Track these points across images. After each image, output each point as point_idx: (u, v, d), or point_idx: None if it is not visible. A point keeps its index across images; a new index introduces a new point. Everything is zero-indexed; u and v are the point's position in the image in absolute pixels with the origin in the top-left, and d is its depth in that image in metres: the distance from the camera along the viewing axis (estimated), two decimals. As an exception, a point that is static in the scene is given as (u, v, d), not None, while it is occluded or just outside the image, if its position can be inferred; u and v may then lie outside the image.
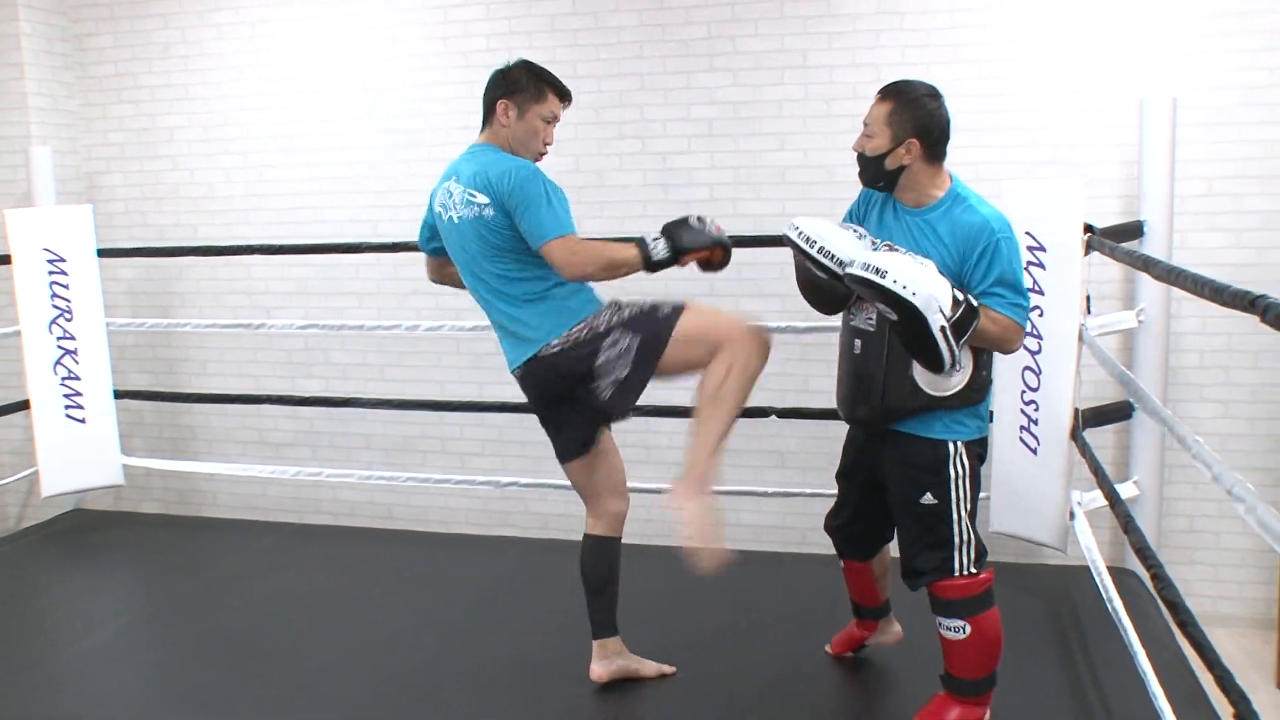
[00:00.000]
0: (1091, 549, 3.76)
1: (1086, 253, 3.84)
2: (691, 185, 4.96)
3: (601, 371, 2.99)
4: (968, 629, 2.83)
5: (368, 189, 5.39)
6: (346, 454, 5.61)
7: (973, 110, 4.51)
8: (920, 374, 2.80)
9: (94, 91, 5.74)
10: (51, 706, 3.34)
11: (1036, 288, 3.90)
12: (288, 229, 5.49)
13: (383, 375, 5.50)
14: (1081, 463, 3.78)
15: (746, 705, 3.24)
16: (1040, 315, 3.92)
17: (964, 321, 2.65)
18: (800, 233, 2.89)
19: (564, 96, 3.11)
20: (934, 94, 2.81)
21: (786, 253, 4.76)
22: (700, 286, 4.97)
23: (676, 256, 2.93)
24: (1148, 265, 2.87)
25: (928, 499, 2.85)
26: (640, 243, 2.93)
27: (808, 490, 4.74)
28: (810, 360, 4.78)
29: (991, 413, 3.03)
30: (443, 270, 3.41)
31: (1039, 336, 3.94)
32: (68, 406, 5.15)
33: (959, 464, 2.85)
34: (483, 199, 2.96)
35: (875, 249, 2.84)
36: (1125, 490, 4.29)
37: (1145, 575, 2.96)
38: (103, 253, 5.25)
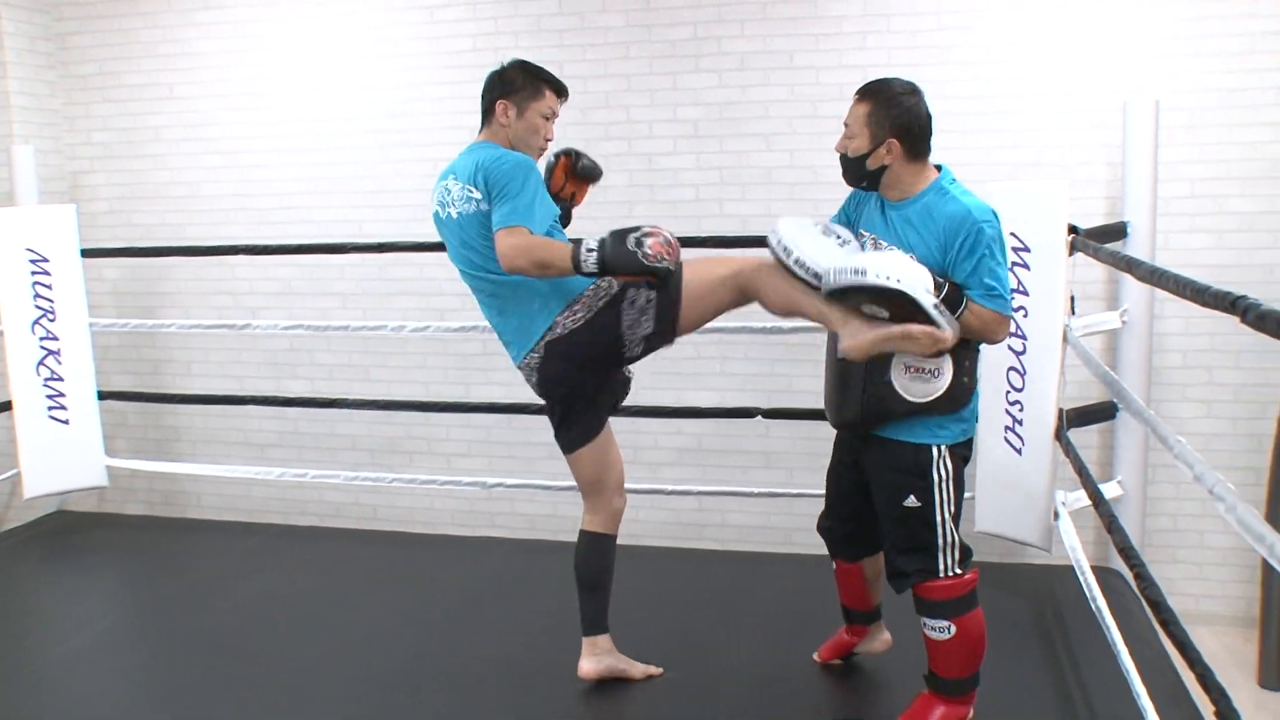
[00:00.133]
0: (1075, 548, 3.78)
1: (1071, 254, 3.86)
2: (678, 186, 4.96)
3: (629, 334, 3.01)
4: (952, 629, 2.84)
5: (354, 189, 5.38)
6: (332, 455, 5.60)
7: (958, 112, 4.54)
8: (900, 381, 2.80)
9: (77, 90, 5.72)
10: (35, 709, 3.32)
11: (1021, 288, 3.92)
12: (273, 229, 5.48)
13: (368, 376, 5.49)
14: (1066, 463, 3.80)
15: (733, 706, 3.25)
16: (1025, 316, 3.93)
17: (952, 300, 2.68)
18: (780, 240, 2.88)
19: (561, 92, 3.14)
20: (912, 90, 2.81)
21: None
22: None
23: (603, 275, 2.90)
24: (1131, 266, 2.88)
25: (911, 502, 2.85)
26: (574, 249, 2.88)
27: (793, 490, 4.75)
28: (796, 360, 4.79)
29: (977, 414, 3.03)
30: None
31: (1023, 337, 3.95)
32: (51, 408, 5.12)
33: (942, 467, 2.85)
34: (478, 194, 2.99)
35: (862, 247, 2.86)
36: (1109, 490, 4.31)
37: (1128, 574, 2.98)
38: (86, 253, 5.23)
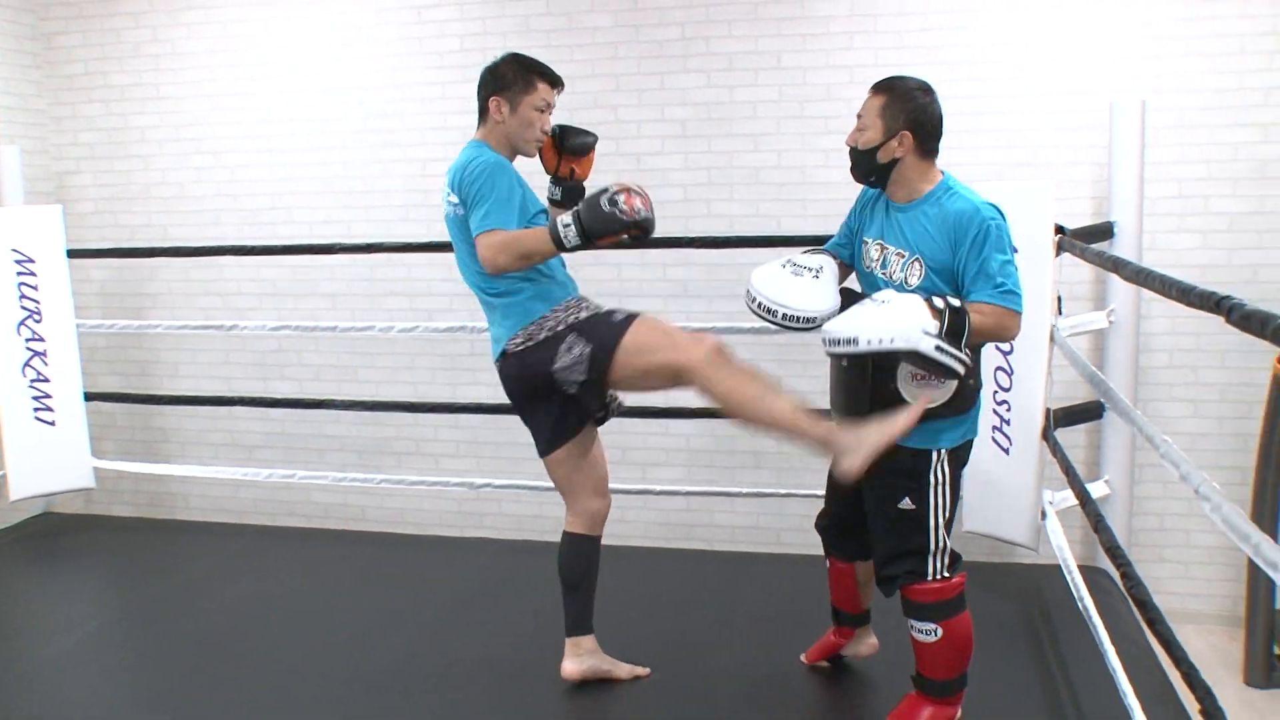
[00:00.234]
0: (1063, 548, 3.78)
1: (1058, 254, 3.87)
2: (666, 186, 4.96)
3: (560, 375, 3.03)
4: (939, 632, 2.84)
5: (341, 190, 5.37)
6: (319, 456, 5.59)
7: (945, 112, 4.50)
8: (907, 388, 2.78)
9: (63, 90, 5.70)
10: (20, 711, 3.31)
11: (1008, 288, 3.92)
12: (260, 230, 5.47)
13: (356, 377, 5.48)
14: (1053, 462, 3.81)
15: (721, 706, 3.25)
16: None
17: (956, 325, 2.62)
18: (759, 303, 2.92)
19: (555, 83, 3.13)
20: (926, 89, 2.83)
21: (759, 254, 4.81)
22: (672, 287, 4.98)
23: (588, 243, 2.90)
24: (1117, 266, 2.89)
25: (906, 504, 2.85)
26: (551, 228, 2.90)
27: (781, 491, 4.76)
28: (785, 361, 4.79)
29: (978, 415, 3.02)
30: None
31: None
32: (37, 409, 5.10)
33: (939, 471, 2.85)
34: (455, 198, 3.03)
35: (856, 258, 2.89)
36: (1096, 489, 4.33)
37: (1115, 574, 2.99)
38: (73, 253, 5.21)
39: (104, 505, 5.89)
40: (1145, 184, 4.29)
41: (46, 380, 5.11)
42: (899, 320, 2.60)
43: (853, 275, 3.12)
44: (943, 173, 2.88)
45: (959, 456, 2.91)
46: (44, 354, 5.09)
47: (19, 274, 5.01)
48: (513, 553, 4.75)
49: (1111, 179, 4.29)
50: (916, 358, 2.61)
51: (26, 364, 5.05)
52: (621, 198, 2.87)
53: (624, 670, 3.36)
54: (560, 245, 2.88)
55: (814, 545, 4.90)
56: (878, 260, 2.92)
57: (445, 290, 5.20)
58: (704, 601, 4.10)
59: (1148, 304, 4.40)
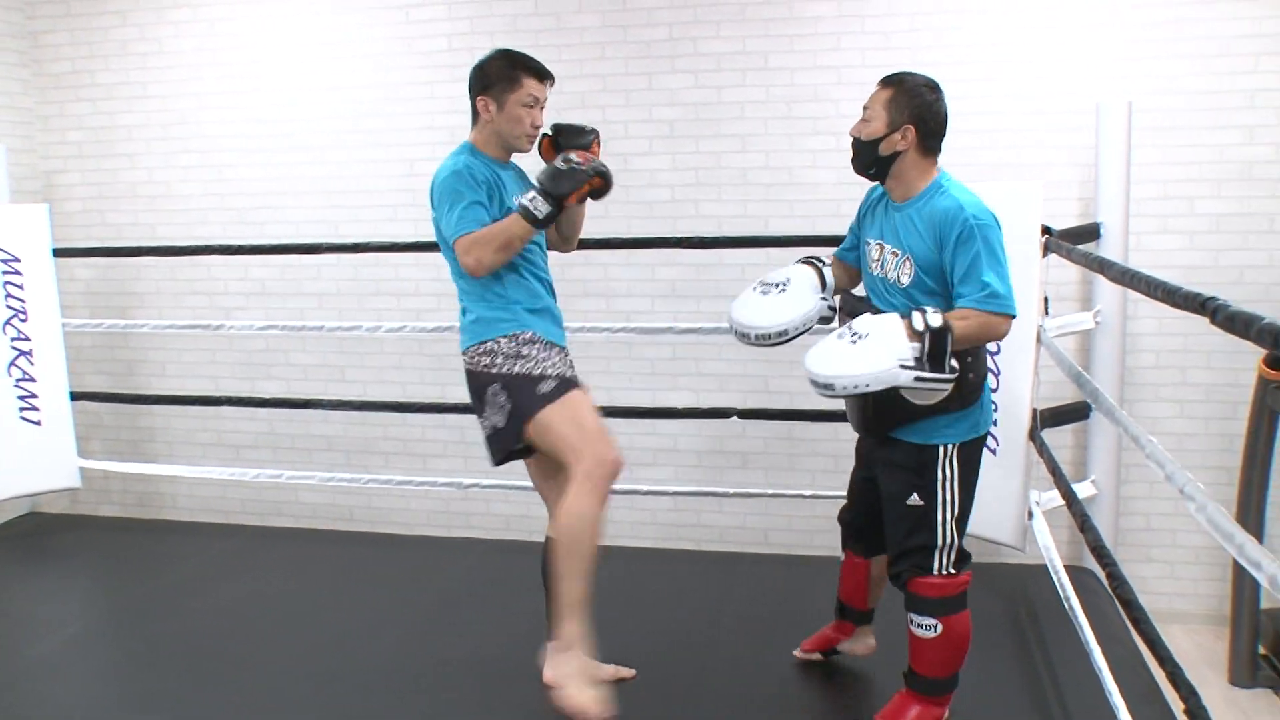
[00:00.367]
0: (1049, 548, 3.80)
1: (1044, 255, 3.88)
2: (653, 186, 4.96)
3: (484, 412, 3.08)
4: (939, 628, 2.85)
5: (329, 189, 5.36)
6: (307, 456, 5.58)
7: (932, 113, 4.55)
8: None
9: (50, 89, 5.68)
10: (7, 712, 3.29)
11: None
12: (248, 229, 5.45)
13: (344, 376, 5.48)
14: (1039, 462, 3.82)
15: (709, 706, 3.25)
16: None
17: (938, 347, 2.63)
18: (734, 329, 3.01)
19: (542, 77, 3.09)
20: (934, 87, 2.85)
21: (747, 254, 4.83)
22: (660, 287, 4.99)
23: (559, 207, 2.90)
24: (1103, 267, 2.90)
25: (914, 500, 2.86)
26: (520, 209, 2.91)
27: (769, 491, 4.77)
28: (771, 361, 4.80)
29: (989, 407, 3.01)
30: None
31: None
32: (23, 409, 5.08)
33: (948, 466, 2.85)
34: (431, 209, 3.07)
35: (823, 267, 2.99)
36: (1083, 489, 4.34)
37: (1101, 574, 3.00)
38: (59, 252, 5.20)
39: (90, 505, 5.87)
40: (1131, 185, 4.30)
41: (32, 380, 5.10)
42: (873, 360, 2.64)
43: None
44: (940, 171, 2.89)
45: (969, 452, 2.89)
46: (30, 353, 5.07)
47: (4, 273, 4.99)
48: (500, 552, 4.75)
49: (1098, 180, 4.31)
50: (895, 391, 2.67)
51: (12, 363, 5.03)
52: (574, 155, 2.93)
53: (607, 672, 3.35)
54: (533, 218, 2.89)
55: (801, 545, 4.95)
56: (878, 261, 2.94)
57: (433, 290, 5.20)
58: (691, 601, 4.11)
59: (1134, 305, 4.42)
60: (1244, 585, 4.16)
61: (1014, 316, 2.76)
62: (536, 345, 3.05)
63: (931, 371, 2.63)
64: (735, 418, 4.66)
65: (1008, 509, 4.04)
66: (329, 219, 5.35)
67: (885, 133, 2.82)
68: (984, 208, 2.77)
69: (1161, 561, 4.68)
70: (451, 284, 3.18)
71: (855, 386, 2.65)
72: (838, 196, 4.72)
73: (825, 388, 2.70)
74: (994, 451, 4.05)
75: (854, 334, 2.72)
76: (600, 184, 2.96)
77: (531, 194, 2.90)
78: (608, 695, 2.95)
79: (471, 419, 5.15)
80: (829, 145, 4.75)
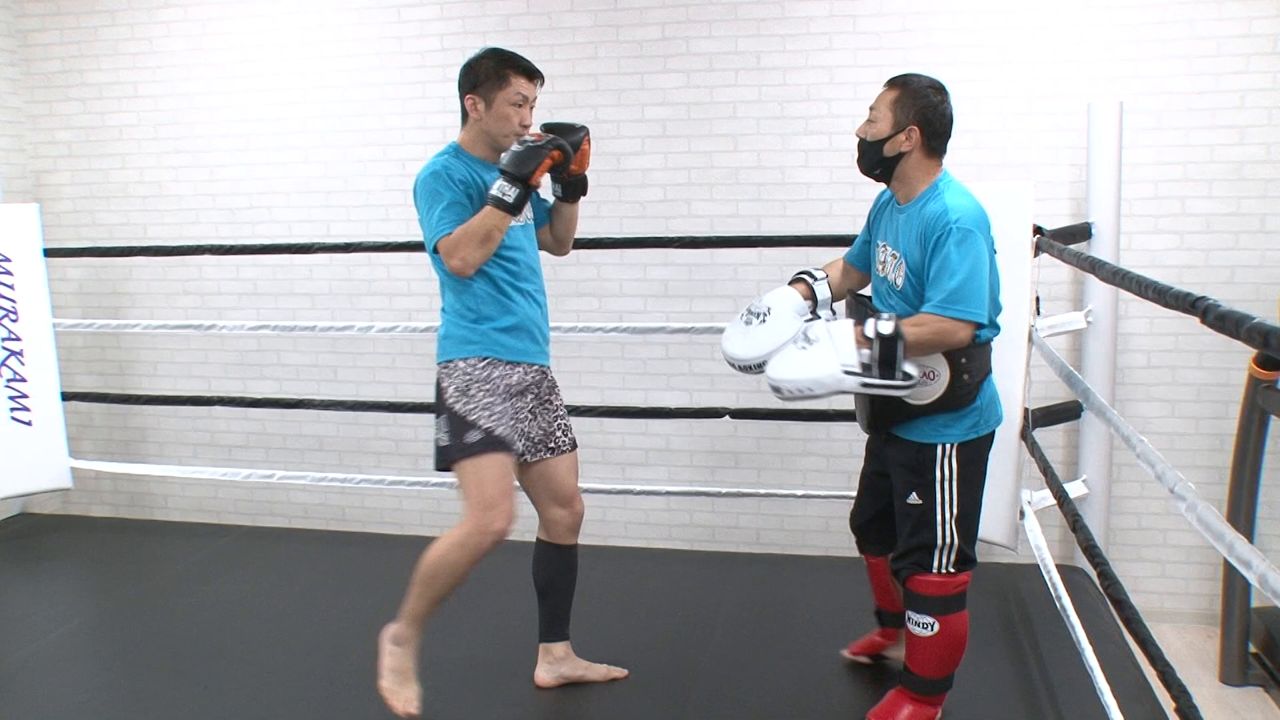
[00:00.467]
0: (1041, 547, 3.80)
1: (1036, 254, 3.88)
2: (645, 186, 4.96)
3: (436, 424, 3.14)
4: (936, 626, 2.86)
5: (320, 189, 5.35)
6: (299, 456, 5.57)
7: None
8: None
9: (40, 88, 5.66)
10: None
11: (987, 289, 3.93)
12: (239, 229, 5.44)
13: (336, 376, 5.47)
14: (1031, 462, 3.82)
15: (701, 706, 3.25)
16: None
17: (887, 353, 2.65)
18: (726, 360, 3.05)
19: (531, 76, 3.04)
20: (940, 88, 2.87)
21: (739, 254, 4.84)
22: (654, 287, 4.98)
23: (527, 186, 2.89)
24: (1095, 267, 2.90)
25: (914, 499, 2.88)
26: (490, 200, 2.89)
27: (761, 490, 4.77)
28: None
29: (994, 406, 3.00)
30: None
31: (989, 337, 3.97)
32: (13, 409, 5.06)
33: (946, 466, 2.85)
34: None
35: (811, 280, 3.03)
36: (1074, 489, 4.35)
37: (1093, 573, 3.00)
38: (50, 252, 5.18)
39: (82, 505, 5.86)
40: (1123, 185, 4.31)
41: (23, 380, 5.08)
42: (817, 367, 2.69)
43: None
44: (943, 172, 2.89)
45: (969, 452, 2.88)
46: (20, 353, 5.06)
47: (-5, 273, 4.98)
48: (492, 553, 4.73)
49: (1089, 180, 4.31)
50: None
51: (3, 363, 5.01)
52: (528, 136, 2.94)
53: (599, 672, 3.36)
54: (504, 205, 2.87)
55: (793, 545, 4.96)
56: (883, 263, 2.95)
57: (424, 290, 5.19)
58: (683, 601, 4.11)
59: (1125, 304, 4.43)
60: (1234, 584, 4.17)
61: (979, 324, 2.74)
62: (486, 389, 3.05)
63: (882, 378, 2.66)
64: (728, 418, 4.66)
65: (999, 508, 4.04)
66: (321, 219, 5.34)
67: (890, 133, 2.83)
68: (972, 212, 2.75)
69: (1153, 561, 4.69)
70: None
71: (799, 391, 2.71)
72: (830, 196, 4.73)
73: (775, 390, 2.79)
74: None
75: (806, 340, 2.79)
76: (561, 157, 2.95)
77: (498, 181, 2.88)
78: (417, 696, 3.08)
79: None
80: (821, 145, 4.76)
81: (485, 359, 3.05)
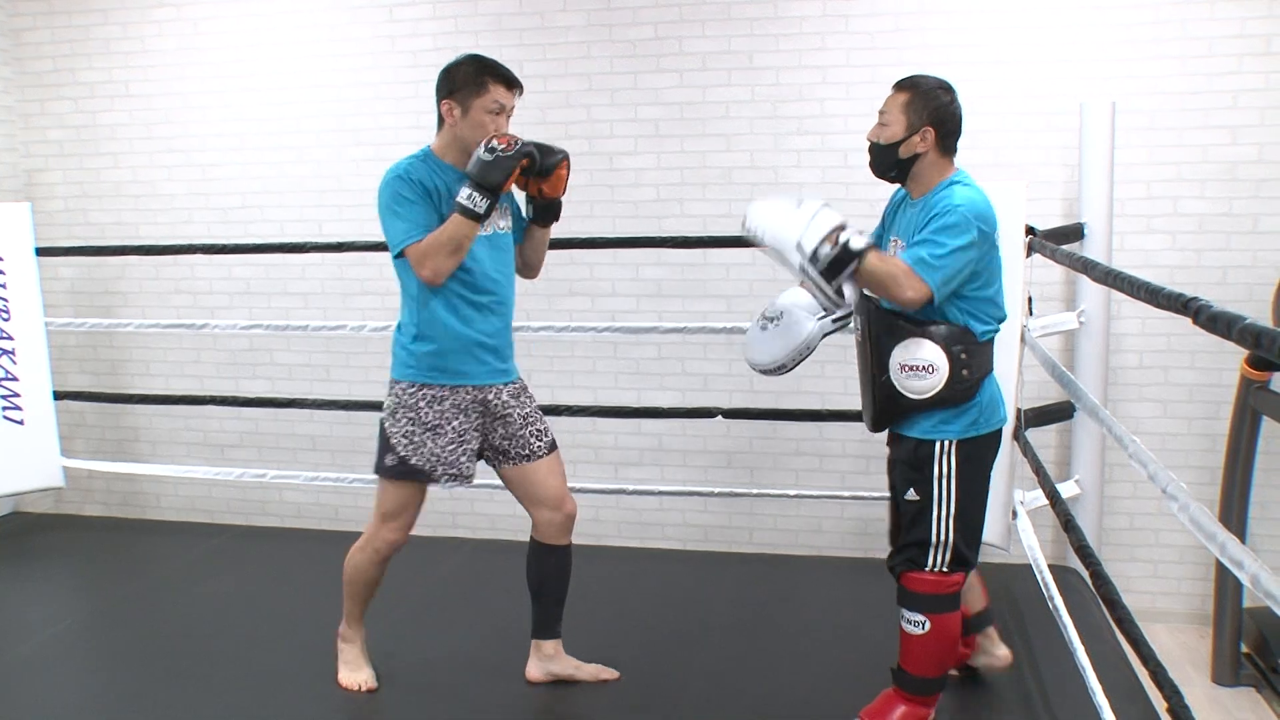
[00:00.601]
0: (1033, 547, 3.80)
1: (1028, 254, 3.88)
2: (638, 186, 4.96)
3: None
4: (927, 625, 2.86)
5: (313, 188, 5.34)
6: (293, 455, 5.56)
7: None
8: (898, 379, 2.82)
9: (32, 87, 5.64)
10: (-12, 714, 3.29)
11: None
12: (232, 228, 5.43)
13: (329, 376, 5.46)
14: (1024, 462, 3.83)
15: (694, 706, 3.25)
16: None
17: (841, 258, 2.67)
18: (753, 367, 3.13)
19: (510, 84, 3.01)
20: (948, 88, 2.88)
21: (732, 254, 4.83)
22: (647, 287, 4.98)
23: (495, 196, 2.88)
24: (1087, 267, 2.91)
25: (911, 495, 2.88)
26: (460, 208, 2.88)
27: (754, 490, 4.77)
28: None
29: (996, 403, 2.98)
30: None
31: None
32: (5, 408, 5.05)
33: (944, 463, 2.84)
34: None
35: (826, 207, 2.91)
36: (1067, 489, 4.35)
37: (1085, 573, 3.01)
38: (42, 251, 5.16)
39: (74, 505, 5.84)
40: (1115, 185, 4.32)
41: (15, 379, 5.06)
42: (786, 226, 2.72)
43: None
44: (957, 169, 2.90)
45: (969, 449, 2.86)
46: (12, 352, 5.04)
47: (-13, 272, 4.97)
48: (486, 552, 4.74)
49: (1081, 180, 4.32)
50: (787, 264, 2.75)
51: (-6, 363, 5.02)
52: (495, 142, 2.89)
53: (588, 672, 3.36)
54: (472, 214, 2.86)
55: (786, 544, 4.96)
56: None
57: (418, 289, 5.17)
58: (676, 600, 4.11)
59: (1118, 305, 4.44)
60: (1227, 584, 4.18)
61: (930, 298, 2.73)
62: (410, 416, 3.09)
63: (820, 274, 2.69)
64: (720, 417, 4.66)
65: (992, 509, 4.01)
66: (313, 218, 5.34)
67: (905, 136, 2.84)
68: (977, 206, 2.75)
69: (1145, 561, 4.70)
70: None
71: (761, 237, 2.75)
72: (822, 196, 4.72)
73: (750, 233, 2.80)
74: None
75: (765, 319, 3.00)
76: (529, 164, 2.95)
77: (467, 190, 2.87)
78: (372, 676, 3.38)
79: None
80: (813, 145, 4.76)
81: (415, 384, 3.09)
